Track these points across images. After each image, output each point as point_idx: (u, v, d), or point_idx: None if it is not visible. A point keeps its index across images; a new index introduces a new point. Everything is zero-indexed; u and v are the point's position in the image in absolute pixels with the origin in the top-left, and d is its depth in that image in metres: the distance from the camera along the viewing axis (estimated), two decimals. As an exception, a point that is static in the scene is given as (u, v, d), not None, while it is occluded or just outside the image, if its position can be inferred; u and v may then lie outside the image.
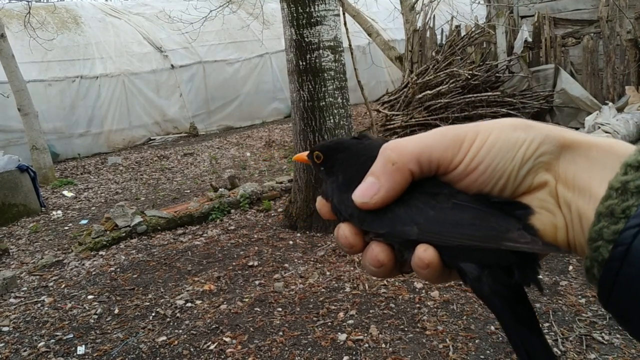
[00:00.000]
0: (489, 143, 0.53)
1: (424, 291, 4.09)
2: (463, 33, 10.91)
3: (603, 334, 3.34)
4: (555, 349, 3.21)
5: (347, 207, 0.58)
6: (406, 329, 3.62)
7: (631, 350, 3.17)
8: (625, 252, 0.44)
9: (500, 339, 3.41)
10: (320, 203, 0.63)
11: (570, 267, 4.25)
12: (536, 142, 0.52)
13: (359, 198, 0.56)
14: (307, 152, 0.68)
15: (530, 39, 10.01)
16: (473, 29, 10.62)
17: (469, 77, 9.23)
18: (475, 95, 9.23)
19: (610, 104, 8.04)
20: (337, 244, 0.61)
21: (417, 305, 3.91)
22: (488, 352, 3.30)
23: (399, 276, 0.58)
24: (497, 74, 9.78)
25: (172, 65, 12.62)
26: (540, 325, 0.54)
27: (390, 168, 0.55)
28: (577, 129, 8.29)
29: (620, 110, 7.90)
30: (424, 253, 0.53)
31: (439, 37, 11.54)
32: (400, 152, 0.55)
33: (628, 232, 0.45)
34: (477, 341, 3.41)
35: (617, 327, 3.41)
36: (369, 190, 0.56)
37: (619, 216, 0.46)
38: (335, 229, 0.60)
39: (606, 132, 6.98)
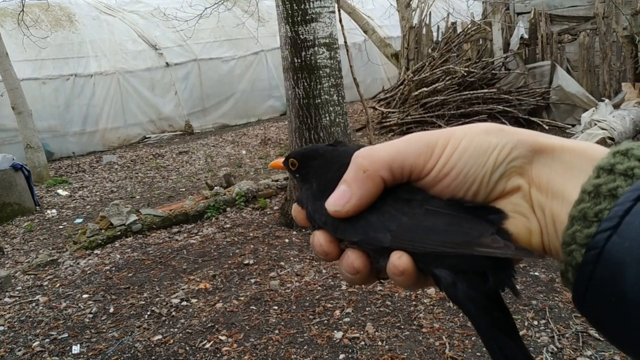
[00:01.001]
0: (460, 148, 0.53)
1: (420, 289, 4.07)
2: (459, 30, 10.91)
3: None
4: (551, 346, 3.21)
5: (321, 215, 0.58)
6: (402, 327, 3.60)
7: (628, 346, 3.16)
8: (598, 256, 0.44)
9: (497, 336, 3.39)
10: (296, 210, 0.63)
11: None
12: (508, 147, 0.52)
13: (331, 206, 0.56)
14: (282, 159, 0.67)
15: (526, 36, 10.01)
16: (469, 26, 10.61)
17: (465, 74, 9.23)
18: (471, 92, 9.23)
19: (607, 100, 8.05)
20: (313, 252, 0.61)
21: (414, 302, 3.90)
22: (484, 349, 3.27)
23: (375, 282, 0.56)
24: (493, 71, 9.78)
25: (167, 63, 12.57)
26: (517, 328, 0.53)
27: (361, 176, 0.54)
28: (573, 125, 8.30)
29: (616, 106, 7.91)
30: (398, 260, 0.53)
31: (435, 34, 11.53)
32: (372, 160, 0.54)
33: (600, 235, 0.44)
34: (473, 338, 3.40)
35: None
36: (341, 198, 0.55)
37: (591, 220, 0.46)
38: (311, 237, 0.60)
39: (602, 128, 6.98)
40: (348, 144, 0.63)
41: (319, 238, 0.59)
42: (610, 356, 3.09)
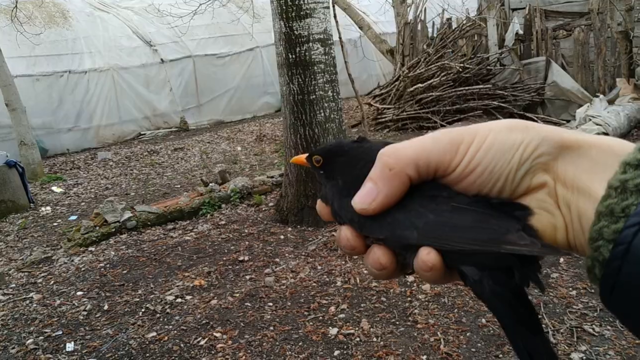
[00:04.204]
0: (486, 145, 0.53)
1: (415, 284, 4.08)
2: (454, 26, 10.90)
3: (594, 326, 3.34)
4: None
5: (347, 212, 0.58)
6: (397, 323, 3.60)
7: (622, 341, 3.17)
8: (626, 251, 0.44)
9: (492, 331, 3.40)
10: (320, 206, 0.64)
11: (562, 260, 4.24)
12: (533, 144, 0.52)
13: (358, 204, 0.56)
14: (305, 155, 0.67)
15: (521, 32, 10.01)
16: (464, 22, 10.61)
17: (461, 70, 9.22)
18: (466, 88, 9.23)
19: (601, 96, 8.06)
20: (339, 246, 0.62)
21: (409, 298, 3.90)
22: (479, 344, 3.29)
23: (401, 277, 0.57)
24: (488, 67, 9.78)
25: (161, 60, 12.52)
26: (542, 325, 0.53)
27: (387, 174, 0.55)
28: (568, 121, 8.31)
29: (611, 102, 7.92)
30: (427, 256, 0.53)
31: (430, 30, 11.51)
32: (398, 158, 0.55)
33: (628, 230, 0.44)
34: (468, 334, 3.40)
35: (607, 319, 3.41)
36: (367, 196, 0.56)
37: (618, 215, 0.46)
38: (337, 232, 0.61)
39: (597, 124, 6.99)
40: (371, 140, 0.63)
41: (346, 233, 0.59)
42: (605, 351, 3.10)
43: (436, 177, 0.55)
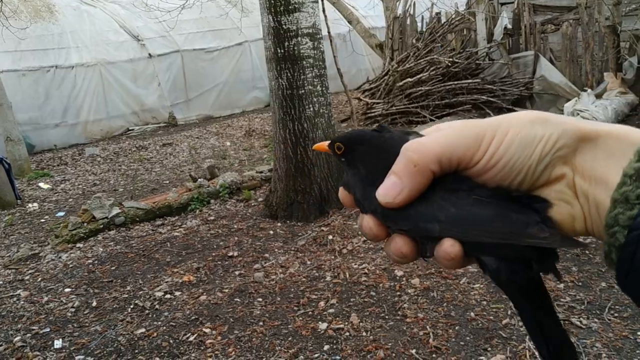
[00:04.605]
0: (507, 140, 0.54)
1: (404, 279, 4.09)
2: (443, 20, 10.90)
3: (581, 319, 3.37)
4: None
5: (371, 202, 0.60)
6: (387, 317, 3.61)
7: (609, 334, 3.20)
8: None
9: (480, 325, 3.41)
10: (343, 194, 0.65)
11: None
12: (554, 137, 0.53)
13: (382, 197, 0.58)
14: (327, 142, 0.69)
15: (510, 26, 10.04)
16: (453, 16, 10.61)
17: (450, 64, 9.23)
18: (455, 82, 9.24)
19: (589, 90, 8.10)
20: (361, 233, 0.65)
21: (398, 293, 3.91)
22: (468, 338, 3.30)
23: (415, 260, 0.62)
24: (477, 61, 9.80)
25: (149, 54, 12.42)
26: (557, 312, 0.57)
27: (412, 169, 0.56)
28: (556, 115, 8.34)
29: (599, 96, 7.96)
30: (451, 248, 0.55)
31: (419, 24, 11.50)
32: (422, 154, 0.56)
33: None
34: (457, 328, 3.41)
35: (594, 312, 3.44)
36: (392, 190, 0.57)
37: (633, 202, 0.47)
38: (359, 219, 0.63)
39: (585, 118, 7.02)
40: (392, 130, 0.64)
41: (369, 222, 0.61)
42: (592, 343, 3.12)
43: (458, 169, 0.57)
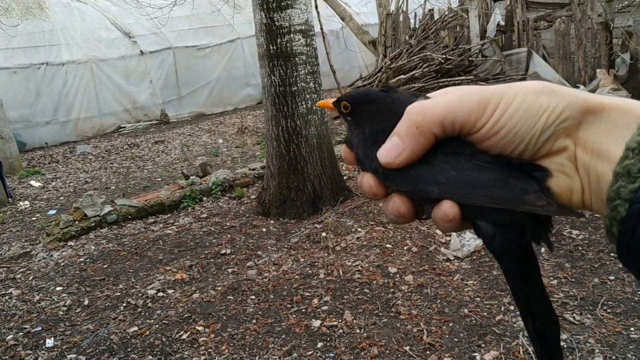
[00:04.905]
0: (512, 108, 0.54)
1: (398, 276, 4.08)
2: (436, 17, 10.90)
3: (574, 315, 3.37)
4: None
5: (372, 162, 0.60)
6: (380, 314, 3.60)
7: (602, 329, 3.20)
8: None
9: (474, 321, 3.41)
10: (345, 152, 0.65)
11: (542, 250, 4.27)
12: (559, 109, 0.53)
13: (383, 158, 0.58)
14: (332, 99, 0.68)
15: (502, 23, 10.05)
16: (446, 13, 10.61)
17: (443, 61, 9.23)
18: (448, 79, 9.25)
19: (582, 87, 8.12)
20: (360, 190, 0.64)
21: (392, 290, 3.90)
22: (462, 334, 3.30)
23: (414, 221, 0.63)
24: (470, 58, 9.81)
25: (141, 51, 12.35)
26: (544, 284, 0.58)
27: (414, 131, 0.56)
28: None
29: (591, 93, 7.98)
30: (450, 209, 0.55)
31: (412, 21, 11.50)
32: (425, 116, 0.56)
33: None
34: (450, 324, 3.41)
35: (587, 308, 3.44)
36: (393, 150, 0.57)
37: (635, 175, 0.48)
38: (359, 177, 0.63)
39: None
40: (399, 91, 0.64)
41: (369, 180, 0.61)
42: (585, 339, 3.13)
43: (461, 134, 0.56)
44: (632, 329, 3.20)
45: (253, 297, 4.00)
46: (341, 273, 4.20)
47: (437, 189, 0.56)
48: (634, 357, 2.95)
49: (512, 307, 3.52)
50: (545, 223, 0.55)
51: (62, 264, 5.01)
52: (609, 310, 3.40)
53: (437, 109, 0.55)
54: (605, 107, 0.53)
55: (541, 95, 0.54)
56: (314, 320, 3.60)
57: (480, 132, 0.55)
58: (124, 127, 12.19)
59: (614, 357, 2.96)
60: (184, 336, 3.58)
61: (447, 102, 0.56)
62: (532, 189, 0.53)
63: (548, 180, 0.54)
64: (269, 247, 4.88)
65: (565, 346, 3.09)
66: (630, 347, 3.03)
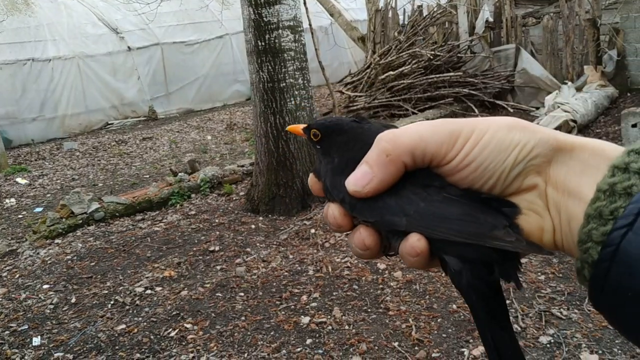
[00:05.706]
0: (483, 142, 0.53)
1: (387, 272, 4.08)
2: (425, 13, 10.90)
3: (562, 310, 3.39)
4: (515, 325, 3.24)
5: (339, 191, 0.59)
6: (369, 310, 3.60)
7: (588, 324, 3.22)
8: (614, 253, 0.45)
9: (462, 317, 3.42)
10: (312, 181, 0.64)
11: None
12: (530, 145, 0.53)
13: (352, 186, 0.57)
14: (303, 126, 0.67)
15: (491, 19, 10.07)
16: (435, 9, 10.62)
17: (431, 57, 9.24)
18: (437, 75, 9.25)
19: (570, 83, 8.16)
20: (325, 222, 0.62)
21: (380, 286, 3.90)
22: (450, 330, 3.31)
23: (381, 258, 0.57)
24: (459, 54, 9.82)
25: (128, 47, 12.25)
26: (511, 322, 0.56)
27: (384, 159, 0.55)
28: (537, 108, 8.41)
29: (579, 89, 8.02)
30: (417, 242, 0.54)
31: (401, 17, 11.50)
32: (395, 144, 0.55)
33: (616, 233, 0.45)
34: (439, 320, 3.42)
35: (574, 303, 3.47)
36: (362, 179, 0.56)
37: (607, 218, 0.46)
38: (325, 208, 0.62)
39: (565, 111, 7.07)
40: (371, 122, 0.63)
41: (334, 211, 0.60)
42: (572, 334, 3.14)
43: (431, 166, 0.56)
44: (618, 323, 3.22)
45: (242, 294, 3.99)
46: (330, 269, 4.20)
47: (404, 220, 0.55)
48: (620, 351, 2.97)
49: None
50: (514, 260, 0.54)
51: (48, 262, 4.97)
52: (596, 305, 3.42)
53: (408, 138, 0.54)
54: (576, 146, 0.52)
55: (513, 131, 0.53)
56: (303, 316, 3.59)
57: (450, 164, 0.54)
58: (112, 123, 12.10)
59: (600, 352, 2.98)
60: (172, 334, 3.56)
61: (418, 132, 0.55)
62: (501, 224, 0.52)
63: (517, 216, 0.53)
64: (257, 244, 4.86)
65: (552, 341, 3.11)
66: (617, 341, 3.05)
